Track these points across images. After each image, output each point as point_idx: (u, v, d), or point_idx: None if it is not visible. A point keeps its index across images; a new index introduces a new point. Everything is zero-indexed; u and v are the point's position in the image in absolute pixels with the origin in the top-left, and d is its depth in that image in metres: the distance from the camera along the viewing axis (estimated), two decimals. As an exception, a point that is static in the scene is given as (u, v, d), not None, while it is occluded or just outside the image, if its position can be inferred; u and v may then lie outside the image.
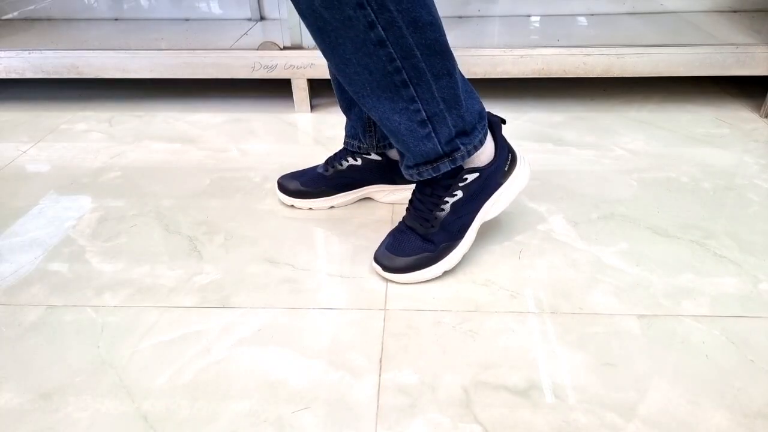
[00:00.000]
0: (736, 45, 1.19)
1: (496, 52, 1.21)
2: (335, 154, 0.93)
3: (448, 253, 0.77)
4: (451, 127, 0.70)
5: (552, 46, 1.22)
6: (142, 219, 0.92)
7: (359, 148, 0.90)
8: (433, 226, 0.76)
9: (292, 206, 0.94)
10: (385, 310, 0.72)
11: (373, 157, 0.90)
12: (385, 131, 0.71)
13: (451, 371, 0.63)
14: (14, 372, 0.65)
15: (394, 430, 0.57)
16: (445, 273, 0.77)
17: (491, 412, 0.59)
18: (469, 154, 0.73)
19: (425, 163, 0.73)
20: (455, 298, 0.74)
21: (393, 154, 0.90)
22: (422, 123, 0.69)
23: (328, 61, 0.66)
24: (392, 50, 0.63)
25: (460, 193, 0.76)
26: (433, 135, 0.70)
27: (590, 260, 0.80)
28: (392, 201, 0.94)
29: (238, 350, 0.67)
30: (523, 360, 0.64)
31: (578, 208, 0.92)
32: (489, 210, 0.79)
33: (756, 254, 0.80)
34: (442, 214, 0.76)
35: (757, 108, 1.26)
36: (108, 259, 0.83)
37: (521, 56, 1.22)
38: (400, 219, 0.84)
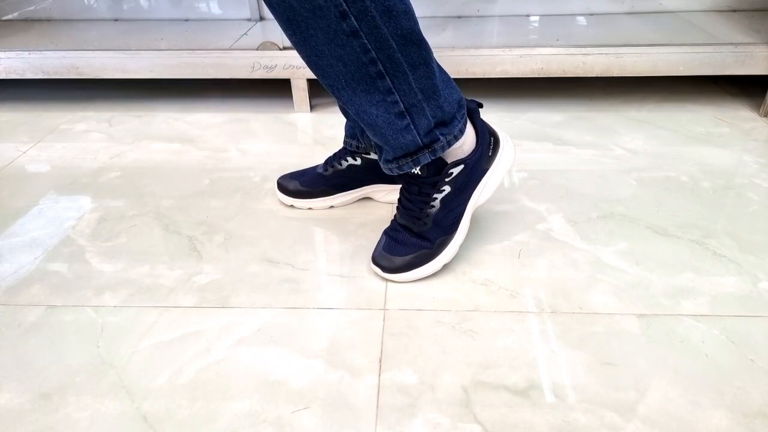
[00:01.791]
0: (736, 44, 1.19)
1: (496, 51, 1.21)
2: (335, 154, 0.93)
3: (445, 247, 0.77)
4: (430, 118, 0.69)
5: (551, 46, 1.22)
6: (141, 219, 0.93)
7: (358, 147, 0.90)
8: (425, 224, 0.76)
9: (292, 206, 0.94)
10: (384, 309, 0.72)
11: (373, 156, 0.90)
12: (362, 125, 0.70)
13: (451, 371, 0.63)
14: (14, 372, 0.65)
15: (393, 429, 0.57)
16: (445, 273, 0.78)
17: (491, 411, 0.59)
18: (449, 144, 0.71)
19: (405, 156, 0.71)
20: (455, 297, 0.74)
21: None
22: (400, 115, 0.67)
23: (300, 54, 0.65)
24: (366, 41, 0.61)
25: (447, 188, 0.75)
26: (412, 127, 0.68)
27: (590, 260, 0.80)
28: (392, 201, 0.94)
29: (238, 350, 0.67)
30: (522, 360, 0.65)
31: (578, 207, 0.92)
32: (479, 197, 0.79)
33: (756, 253, 0.80)
34: (433, 210, 0.76)
35: (757, 107, 1.26)
36: (108, 259, 0.83)
37: (520, 56, 1.22)
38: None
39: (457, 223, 0.78)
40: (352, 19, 0.59)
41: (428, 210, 0.76)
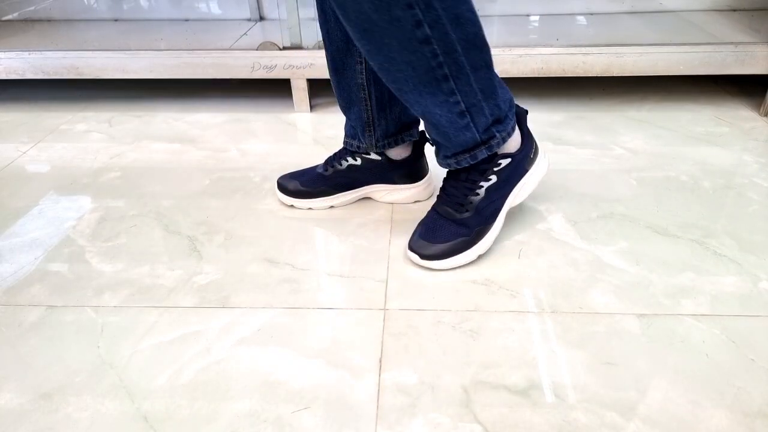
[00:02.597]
0: (736, 44, 1.19)
1: (495, 51, 1.21)
2: (334, 154, 0.93)
3: (482, 237, 0.79)
4: (488, 116, 0.73)
5: (551, 46, 1.22)
6: (141, 219, 0.93)
7: (359, 147, 0.90)
8: (467, 211, 0.78)
9: (292, 206, 0.94)
10: (384, 309, 0.72)
11: (373, 156, 0.90)
12: (426, 123, 0.74)
13: (451, 371, 0.63)
14: (14, 372, 0.65)
15: (394, 429, 0.57)
16: (445, 273, 0.78)
17: (491, 411, 0.59)
18: (504, 141, 0.76)
19: (463, 152, 0.76)
20: (455, 297, 0.74)
21: (392, 153, 0.90)
22: (461, 114, 0.71)
23: (371, 61, 0.68)
24: (436, 47, 0.64)
25: (494, 178, 0.79)
26: (472, 125, 0.73)
27: (590, 259, 0.80)
28: (392, 200, 0.94)
29: (238, 350, 0.67)
30: (522, 359, 0.64)
31: (578, 207, 0.92)
32: (517, 195, 0.83)
33: (756, 253, 0.80)
34: (477, 198, 0.78)
35: (757, 107, 1.26)
36: (108, 260, 0.83)
37: (520, 55, 1.22)
38: (402, 217, 0.84)
39: (495, 215, 0.80)
40: (426, 27, 0.63)
41: (472, 197, 0.78)
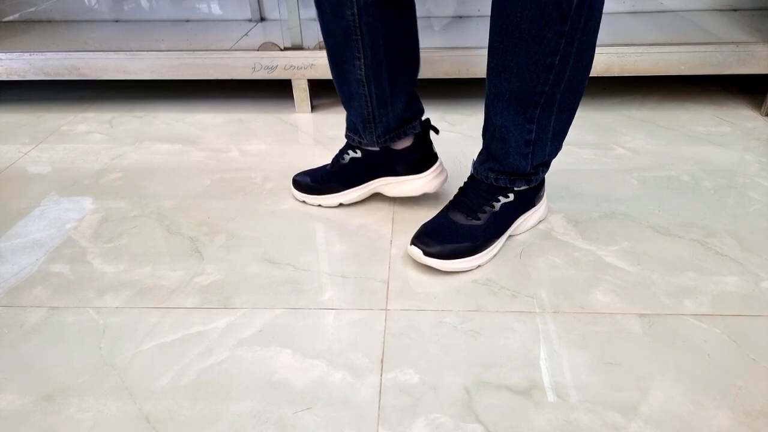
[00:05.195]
0: (737, 43, 1.19)
1: (497, 51, 1.21)
2: (339, 150, 0.93)
3: (486, 248, 0.79)
4: (546, 156, 0.77)
5: (552, 46, 1.21)
6: (143, 220, 0.93)
7: (360, 143, 0.89)
8: (479, 219, 0.79)
9: (304, 202, 0.95)
10: (386, 310, 0.72)
11: (374, 148, 0.89)
12: (497, 135, 0.75)
13: (453, 371, 0.63)
14: (16, 373, 0.65)
15: (395, 430, 0.57)
16: (446, 273, 0.78)
17: (493, 411, 0.59)
18: (538, 179, 0.80)
19: (507, 174, 0.78)
20: (456, 297, 0.74)
21: (396, 145, 0.88)
22: (527, 143, 0.74)
23: (490, 58, 0.70)
24: (551, 77, 0.67)
25: (512, 197, 0.80)
26: (530, 156, 0.75)
27: (591, 259, 0.80)
28: (399, 194, 0.91)
29: (240, 351, 0.67)
30: (524, 359, 0.64)
31: (579, 207, 0.92)
32: (519, 224, 0.84)
33: (757, 252, 0.80)
34: (491, 210, 0.80)
35: (758, 106, 1.26)
36: (109, 261, 0.83)
37: (521, 56, 1.21)
38: (403, 217, 0.84)
39: (502, 232, 0.81)
40: (557, 57, 0.66)
41: (487, 207, 0.80)
